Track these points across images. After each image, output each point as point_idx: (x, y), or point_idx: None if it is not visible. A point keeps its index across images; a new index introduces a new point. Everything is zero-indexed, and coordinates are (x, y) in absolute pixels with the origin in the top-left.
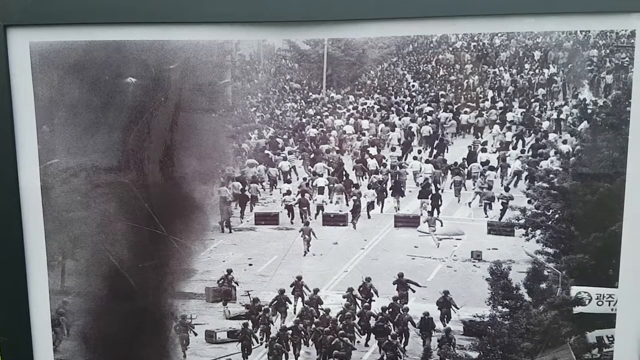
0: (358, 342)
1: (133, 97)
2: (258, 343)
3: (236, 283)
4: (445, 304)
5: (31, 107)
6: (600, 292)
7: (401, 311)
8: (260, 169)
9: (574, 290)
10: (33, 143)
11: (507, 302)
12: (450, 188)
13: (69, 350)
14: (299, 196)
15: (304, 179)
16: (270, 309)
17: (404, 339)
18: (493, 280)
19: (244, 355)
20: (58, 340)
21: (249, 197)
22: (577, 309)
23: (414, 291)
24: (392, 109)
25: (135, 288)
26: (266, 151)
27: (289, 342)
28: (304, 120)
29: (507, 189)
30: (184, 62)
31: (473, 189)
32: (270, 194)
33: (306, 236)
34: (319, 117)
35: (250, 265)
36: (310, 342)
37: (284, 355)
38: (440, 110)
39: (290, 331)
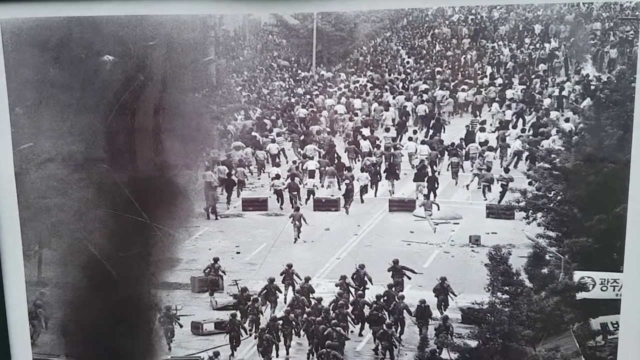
0: (352, 331)
1: (111, 77)
2: (247, 334)
3: (223, 272)
4: (443, 291)
5: (3, 88)
6: (604, 276)
7: (396, 299)
8: (247, 152)
9: (577, 275)
10: (6, 126)
11: (507, 288)
12: (448, 170)
13: (48, 344)
14: (289, 180)
15: (294, 162)
16: (259, 298)
17: (399, 327)
18: (492, 265)
19: (232, 347)
20: (36, 334)
21: (236, 181)
22: (580, 295)
23: (409, 278)
24: (386, 87)
25: (116, 278)
26: (253, 133)
27: (279, 333)
28: (293, 100)
29: (506, 170)
30: (164, 38)
31: (471, 171)
32: (258, 179)
33: (296, 222)
34: (308, 96)
35: (238, 253)
36: (302, 332)
37: (274, 346)
38: (437, 88)
39: (280, 321)
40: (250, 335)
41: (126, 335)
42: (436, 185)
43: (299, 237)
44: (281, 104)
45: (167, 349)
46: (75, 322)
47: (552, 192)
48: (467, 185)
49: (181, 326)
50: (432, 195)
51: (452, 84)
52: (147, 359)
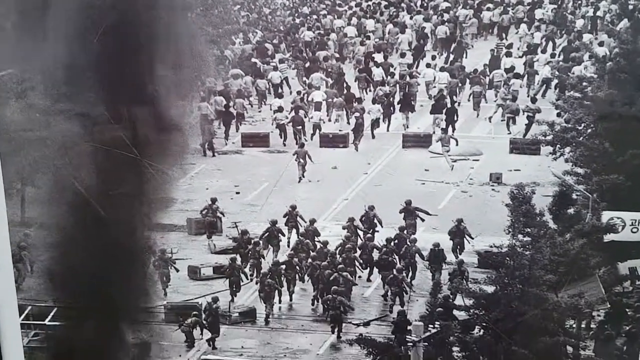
0: (359, 277)
1: None
2: (247, 279)
3: (222, 213)
4: (459, 233)
5: None
6: (635, 217)
7: (408, 242)
8: (246, 80)
9: (606, 215)
10: None
11: (529, 230)
12: (469, 100)
13: (34, 288)
14: (293, 113)
15: (298, 92)
16: (260, 242)
17: (410, 273)
18: (514, 205)
19: (232, 292)
20: (21, 278)
21: (234, 114)
22: (608, 237)
23: (423, 220)
24: (402, 5)
25: (105, 219)
26: (253, 59)
27: (282, 278)
28: (297, 20)
29: (533, 100)
30: None
31: (494, 101)
32: (259, 111)
33: (301, 160)
34: (315, 16)
35: (238, 193)
36: (306, 277)
37: (276, 292)
38: (459, 6)
39: (283, 266)
40: (251, 280)
41: (118, 280)
42: (455, 118)
43: (303, 176)
44: (284, 25)
45: (162, 295)
46: (63, 266)
47: (582, 125)
48: (490, 118)
49: (177, 270)
50: (450, 129)
51: (476, 2)
52: (141, 305)
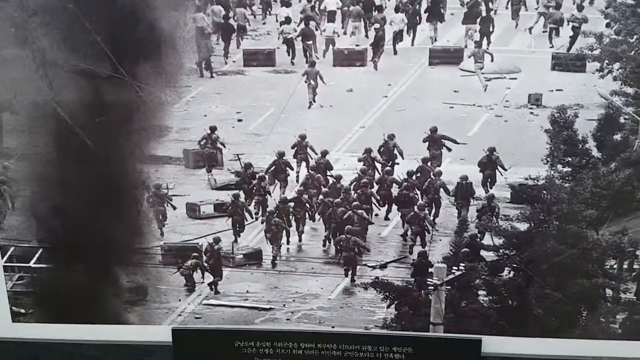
0: (376, 215)
1: None
2: (252, 218)
3: (222, 144)
4: (490, 164)
5: None
6: None
7: (432, 175)
8: None
9: None
10: None
11: (569, 159)
12: (507, 8)
13: (16, 227)
14: (302, 25)
15: (309, 0)
16: (266, 176)
17: (434, 209)
18: (554, 131)
19: (235, 232)
20: (1, 215)
21: (235, 27)
22: None
23: (449, 150)
24: None
25: (92, 149)
26: None
27: (290, 217)
28: None
29: (580, 8)
30: None
31: (536, 9)
32: (263, 23)
33: (311, 81)
34: None
35: (240, 121)
36: (317, 216)
37: (284, 232)
38: None
39: (292, 203)
40: (256, 219)
41: (109, 218)
42: (491, 29)
43: (314, 101)
44: None
45: (159, 234)
46: (48, 202)
47: (635, 37)
48: (530, 28)
49: (174, 208)
50: (485, 42)
51: None
52: (135, 246)
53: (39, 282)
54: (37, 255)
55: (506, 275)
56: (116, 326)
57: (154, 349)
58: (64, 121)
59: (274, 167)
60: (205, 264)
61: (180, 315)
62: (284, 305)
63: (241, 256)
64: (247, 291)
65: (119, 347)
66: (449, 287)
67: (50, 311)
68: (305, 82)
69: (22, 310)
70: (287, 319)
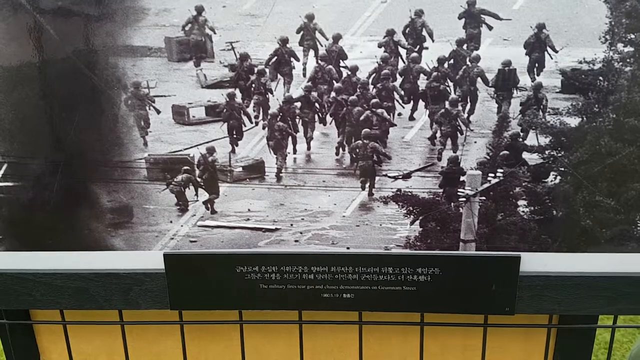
0: (399, 114)
1: None
2: (251, 123)
3: (212, 29)
4: (538, 45)
5: None
6: None
7: (468, 62)
8: None
9: None
10: None
11: (632, 36)
12: None
13: None
14: None
15: None
16: (267, 70)
17: (469, 105)
18: (615, 0)
19: (232, 140)
20: None
21: None
22: None
23: (490, 28)
24: None
25: (54, 38)
26: None
27: (297, 120)
28: None
29: None
30: None
31: None
32: None
33: None
34: None
35: None
36: (329, 118)
37: (290, 138)
38: None
39: (298, 103)
40: (257, 124)
41: (79, 125)
42: None
43: None
44: None
45: (141, 144)
46: (7, 107)
47: None
48: None
49: (158, 112)
50: None
51: None
52: (114, 158)
53: (6, 204)
54: (1, 172)
55: (551, 181)
56: (99, 252)
57: (143, 277)
58: (22, 7)
59: (275, 57)
60: (199, 179)
61: (172, 238)
62: (292, 225)
63: (240, 169)
64: (249, 210)
65: (104, 276)
66: (483, 198)
67: (21, 237)
68: None
69: None
70: (296, 241)
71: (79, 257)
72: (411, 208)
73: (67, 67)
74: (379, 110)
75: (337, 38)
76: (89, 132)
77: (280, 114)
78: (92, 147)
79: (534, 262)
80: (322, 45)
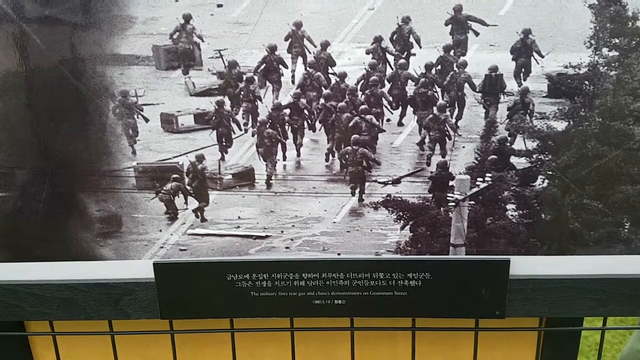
0: (388, 120)
1: None
2: (241, 130)
3: (200, 37)
4: (525, 50)
5: None
6: None
7: (456, 68)
8: None
9: None
10: None
11: (616, 41)
12: None
13: None
14: None
15: None
16: (255, 77)
17: (456, 110)
18: (600, 6)
19: (222, 148)
20: None
21: None
22: None
23: (477, 34)
24: None
25: (40, 47)
26: None
27: (286, 127)
28: None
29: None
30: None
31: None
32: None
33: None
34: None
35: (220, 6)
36: (318, 124)
37: (279, 145)
38: None
39: (287, 110)
40: (246, 131)
41: (66, 134)
42: None
43: None
44: None
45: (130, 153)
46: None
47: None
48: None
49: (147, 120)
50: None
51: None
52: (102, 168)
53: None
54: None
55: (539, 185)
56: (88, 262)
57: (133, 287)
58: (7, 15)
59: (264, 65)
60: (188, 187)
61: (162, 247)
62: (282, 231)
63: (230, 176)
64: (239, 217)
65: (93, 286)
66: (472, 203)
67: (9, 248)
68: None
69: None
70: (286, 248)
71: (68, 267)
72: (401, 213)
73: (54, 76)
74: (368, 117)
75: (325, 45)
76: (77, 141)
77: (270, 121)
78: (80, 156)
79: (523, 266)
80: (310, 53)
